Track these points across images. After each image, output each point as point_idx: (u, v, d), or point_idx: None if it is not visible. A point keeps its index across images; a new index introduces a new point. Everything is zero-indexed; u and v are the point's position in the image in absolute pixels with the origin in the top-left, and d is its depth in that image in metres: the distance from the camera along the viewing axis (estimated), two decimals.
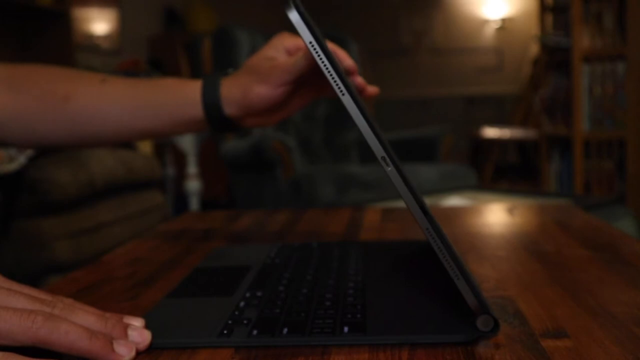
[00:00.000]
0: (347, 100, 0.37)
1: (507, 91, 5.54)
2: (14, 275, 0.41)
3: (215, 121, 0.63)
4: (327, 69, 0.38)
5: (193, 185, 2.86)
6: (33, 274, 1.80)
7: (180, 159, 3.12)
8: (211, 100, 0.63)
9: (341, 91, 0.37)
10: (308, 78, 0.61)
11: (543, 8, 3.35)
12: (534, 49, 4.63)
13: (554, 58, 3.13)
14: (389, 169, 0.37)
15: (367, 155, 2.95)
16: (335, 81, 0.38)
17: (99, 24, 3.86)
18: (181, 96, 0.65)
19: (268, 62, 0.61)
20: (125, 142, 0.71)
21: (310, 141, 2.90)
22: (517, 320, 0.41)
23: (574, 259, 0.56)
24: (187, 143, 2.84)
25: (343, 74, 0.38)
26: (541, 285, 0.48)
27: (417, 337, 0.37)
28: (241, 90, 0.62)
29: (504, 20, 5.48)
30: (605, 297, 0.45)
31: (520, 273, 0.53)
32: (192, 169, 2.86)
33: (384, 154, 0.37)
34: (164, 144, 3.06)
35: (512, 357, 0.35)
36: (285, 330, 0.39)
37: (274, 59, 0.62)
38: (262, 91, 0.61)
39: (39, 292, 0.39)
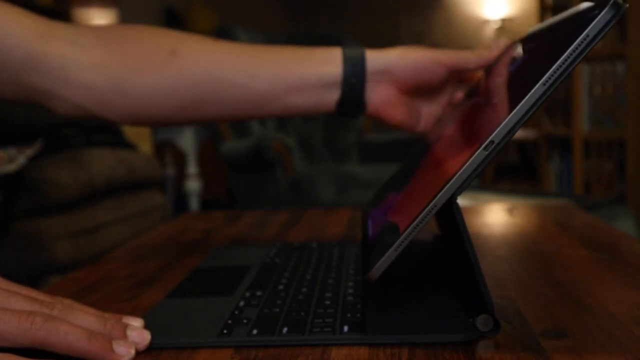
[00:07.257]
0: (539, 89, 0.34)
1: None
2: (14, 276, 0.40)
3: (352, 79, 0.57)
4: (571, 54, 0.34)
5: (193, 185, 2.86)
6: (33, 274, 1.80)
7: (180, 159, 3.11)
8: (354, 53, 0.58)
9: (547, 81, 0.34)
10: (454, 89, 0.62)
11: (543, 8, 3.34)
12: None
13: None
14: (484, 152, 0.35)
15: (367, 155, 2.94)
16: (558, 67, 0.34)
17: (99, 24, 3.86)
18: (314, 52, 0.59)
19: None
20: (234, 120, 0.63)
21: (310, 141, 2.89)
22: (517, 320, 0.40)
23: (574, 259, 0.56)
24: (187, 143, 2.84)
25: (570, 72, 0.35)
26: (541, 285, 0.48)
27: (417, 337, 0.37)
28: (401, 50, 0.58)
29: (504, 21, 5.47)
30: (605, 297, 0.44)
31: (520, 273, 0.53)
32: (192, 169, 2.86)
33: (498, 141, 0.34)
34: (164, 143, 3.05)
35: (512, 357, 0.35)
36: (285, 330, 0.39)
37: None
38: (426, 56, 0.58)
39: (37, 293, 0.39)
